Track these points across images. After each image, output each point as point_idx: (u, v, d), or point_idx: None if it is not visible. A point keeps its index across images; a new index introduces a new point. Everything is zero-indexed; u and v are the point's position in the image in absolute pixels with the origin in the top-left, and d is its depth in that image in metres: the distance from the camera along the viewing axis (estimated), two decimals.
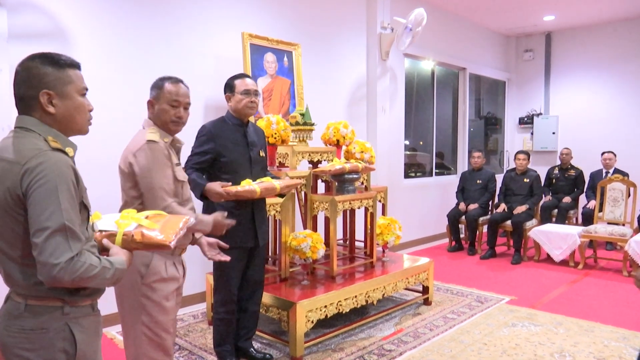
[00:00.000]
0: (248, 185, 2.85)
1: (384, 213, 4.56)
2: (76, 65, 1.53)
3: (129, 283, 2.06)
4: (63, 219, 1.35)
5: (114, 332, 3.65)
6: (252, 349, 3.28)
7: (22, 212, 1.38)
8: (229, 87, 3.07)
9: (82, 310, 1.49)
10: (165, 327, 2.12)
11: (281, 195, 3.22)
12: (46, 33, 3.48)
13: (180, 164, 2.23)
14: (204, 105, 4.38)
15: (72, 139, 1.54)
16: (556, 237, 5.81)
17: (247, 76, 3.11)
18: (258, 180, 2.95)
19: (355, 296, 3.70)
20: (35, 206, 1.35)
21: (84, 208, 1.48)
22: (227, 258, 2.22)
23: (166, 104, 2.17)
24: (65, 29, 3.56)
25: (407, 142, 7.17)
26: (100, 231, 1.64)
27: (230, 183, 2.85)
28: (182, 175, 2.20)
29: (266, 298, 3.43)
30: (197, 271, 4.23)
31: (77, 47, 3.59)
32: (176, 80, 2.22)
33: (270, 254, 4.09)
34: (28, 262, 1.40)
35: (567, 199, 6.91)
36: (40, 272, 1.35)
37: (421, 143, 7.86)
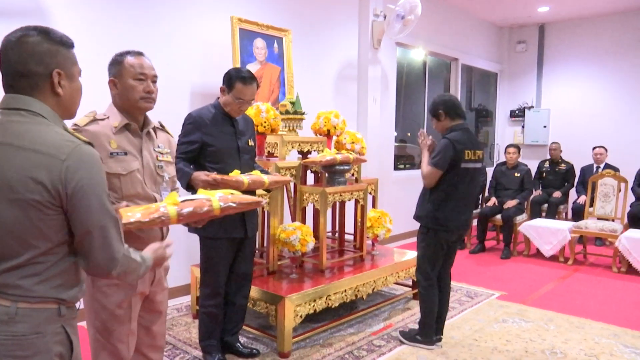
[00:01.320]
0: (236, 176, 2.74)
1: (374, 205, 4.47)
2: (74, 46, 1.46)
3: (87, 285, 1.85)
4: (113, 214, 1.39)
5: None
6: (238, 344, 3.21)
7: (59, 209, 1.30)
8: (228, 83, 2.87)
9: (72, 310, 1.42)
10: (118, 336, 1.93)
11: (268, 190, 3.12)
12: (24, 11, 3.31)
13: (131, 154, 1.94)
14: (190, 92, 4.24)
15: None
16: (546, 232, 5.78)
17: (252, 81, 2.88)
18: (247, 174, 2.85)
19: (345, 290, 3.62)
20: (86, 204, 1.32)
21: None
22: None
23: (131, 80, 1.93)
24: (45, 8, 3.39)
25: (396, 134, 7.08)
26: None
27: (215, 172, 2.75)
28: (121, 168, 1.89)
29: (253, 292, 3.33)
30: (181, 263, 4.11)
31: (57, 29, 3.42)
32: (137, 53, 1.98)
33: (257, 246, 3.99)
34: (39, 260, 1.31)
35: (557, 194, 6.88)
36: (96, 268, 1.37)
37: (409, 134, 7.77)
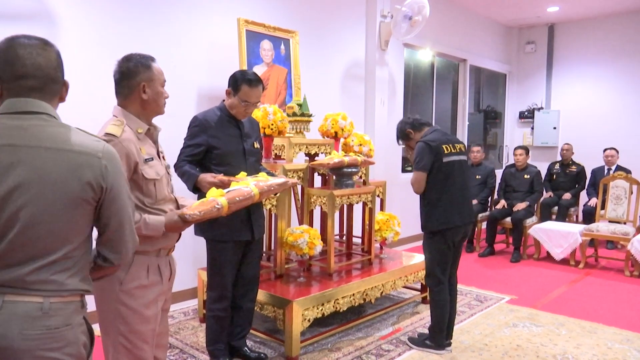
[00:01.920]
0: (243, 179, 2.72)
1: (382, 208, 4.43)
2: None
3: (106, 289, 1.88)
4: (133, 205, 1.61)
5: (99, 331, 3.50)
6: (246, 348, 3.18)
7: (96, 203, 1.42)
8: (234, 86, 2.85)
9: (85, 302, 1.49)
10: (144, 337, 1.94)
11: (275, 193, 3.09)
12: (31, 15, 3.30)
13: (156, 158, 1.98)
14: (197, 94, 4.22)
15: None
16: (557, 235, 5.70)
17: (257, 83, 2.86)
18: (253, 176, 2.82)
19: (353, 294, 3.58)
20: (119, 198, 1.46)
21: None
22: None
23: (160, 86, 1.97)
24: (51, 11, 3.38)
25: None
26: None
27: (222, 174, 2.73)
28: (154, 173, 1.93)
29: (261, 295, 3.31)
30: (189, 266, 4.09)
31: (63, 31, 3.41)
32: (153, 58, 2.00)
33: (265, 249, 3.96)
34: (71, 255, 1.39)
35: (567, 196, 6.80)
36: (125, 257, 1.55)
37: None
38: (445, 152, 3.26)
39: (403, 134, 3.46)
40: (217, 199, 1.96)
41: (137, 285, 1.90)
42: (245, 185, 2.17)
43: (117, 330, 1.90)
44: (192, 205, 1.96)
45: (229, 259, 2.92)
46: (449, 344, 3.42)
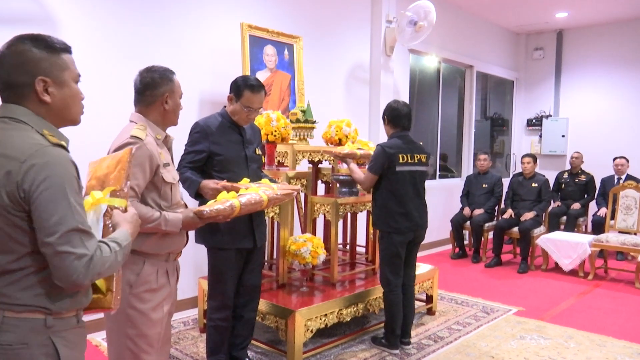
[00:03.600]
0: (246, 185, 2.67)
1: None
2: (69, 50, 1.41)
3: None
4: (76, 222, 1.27)
5: (99, 339, 3.45)
6: (247, 359, 3.12)
7: (23, 214, 1.26)
8: (236, 91, 2.82)
9: (66, 322, 1.35)
10: (150, 341, 1.97)
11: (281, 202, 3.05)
12: (32, 18, 3.28)
13: (171, 164, 2.08)
14: (199, 100, 4.18)
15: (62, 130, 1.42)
16: (565, 246, 5.60)
17: (260, 89, 2.83)
18: (256, 183, 2.77)
19: (357, 304, 3.52)
20: (44, 210, 1.24)
21: None
22: None
23: (178, 98, 2.12)
24: (52, 15, 3.36)
25: None
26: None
27: (225, 180, 2.69)
28: (171, 177, 2.04)
29: (263, 305, 3.25)
30: (189, 275, 4.03)
31: (65, 35, 3.38)
32: (173, 72, 2.12)
33: (267, 258, 3.90)
34: (14, 267, 1.27)
35: (576, 206, 6.70)
36: (60, 278, 1.26)
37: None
38: (401, 161, 3.32)
39: (382, 114, 3.56)
40: (230, 200, 2.11)
41: (147, 288, 1.95)
42: (255, 191, 2.29)
43: (124, 334, 1.94)
44: (206, 204, 2.12)
45: (231, 267, 2.88)
46: (407, 343, 3.52)
